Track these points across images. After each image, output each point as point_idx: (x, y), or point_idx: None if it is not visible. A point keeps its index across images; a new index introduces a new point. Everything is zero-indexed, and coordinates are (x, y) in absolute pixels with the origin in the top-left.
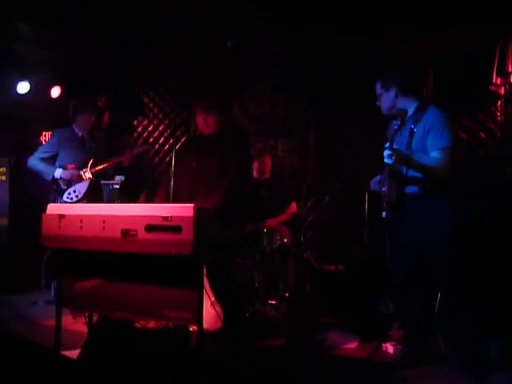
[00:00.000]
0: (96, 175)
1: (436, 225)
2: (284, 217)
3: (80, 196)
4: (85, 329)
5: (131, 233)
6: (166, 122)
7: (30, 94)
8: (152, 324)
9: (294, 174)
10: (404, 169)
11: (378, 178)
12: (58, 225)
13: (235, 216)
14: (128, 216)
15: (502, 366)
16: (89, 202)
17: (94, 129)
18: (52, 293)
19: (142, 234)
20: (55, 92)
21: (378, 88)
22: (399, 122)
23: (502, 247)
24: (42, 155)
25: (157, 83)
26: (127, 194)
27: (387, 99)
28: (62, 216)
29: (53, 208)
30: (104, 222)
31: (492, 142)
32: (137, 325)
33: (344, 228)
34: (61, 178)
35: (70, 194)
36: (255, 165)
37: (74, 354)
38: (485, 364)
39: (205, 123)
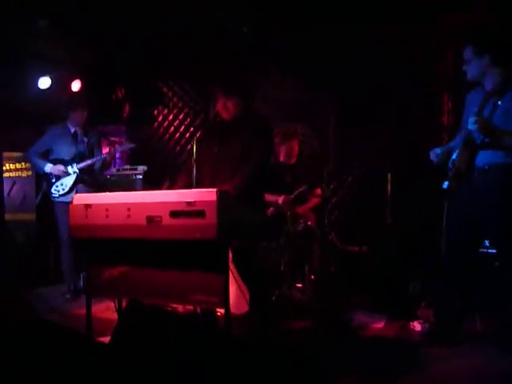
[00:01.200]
0: (82, 170)
1: (499, 202)
2: (313, 202)
3: (66, 189)
4: (115, 316)
5: (156, 219)
6: (186, 110)
7: (51, 89)
8: (181, 308)
9: (315, 157)
10: (479, 139)
11: (437, 150)
12: (84, 215)
13: (258, 200)
14: (152, 203)
15: None
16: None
17: (89, 124)
18: (81, 282)
19: (167, 219)
20: (76, 86)
21: (469, 53)
22: (498, 98)
23: None
24: (38, 150)
25: (175, 72)
26: (150, 184)
27: (478, 66)
28: (88, 206)
29: (79, 198)
30: (129, 209)
31: None
32: (166, 309)
33: (367, 209)
34: (50, 172)
35: (57, 187)
36: (282, 148)
37: (105, 340)
38: None
39: (225, 108)
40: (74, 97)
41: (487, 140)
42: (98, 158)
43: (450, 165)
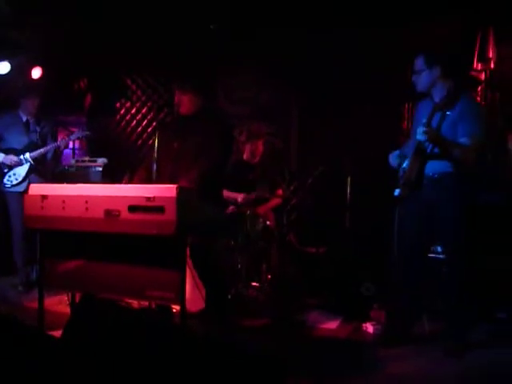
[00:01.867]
0: (35, 160)
1: (448, 209)
2: (274, 202)
3: (19, 179)
4: (68, 310)
5: (114, 213)
6: (149, 104)
7: (10, 74)
8: (135, 304)
9: (278, 157)
10: (428, 149)
11: (396, 152)
12: (40, 205)
13: (216, 197)
14: (111, 196)
15: (480, 346)
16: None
17: (42, 112)
18: (34, 274)
19: (125, 214)
20: (36, 73)
21: (420, 64)
22: (447, 109)
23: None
24: None
25: (140, 65)
26: (110, 177)
27: (428, 77)
28: (44, 197)
29: (35, 189)
30: (87, 202)
31: None
32: (121, 304)
33: (326, 211)
34: (2, 162)
35: (10, 177)
36: (247, 147)
37: (57, 334)
38: (468, 342)
39: (180, 102)
40: (27, 84)
41: (436, 150)
42: (50, 146)
43: (401, 173)
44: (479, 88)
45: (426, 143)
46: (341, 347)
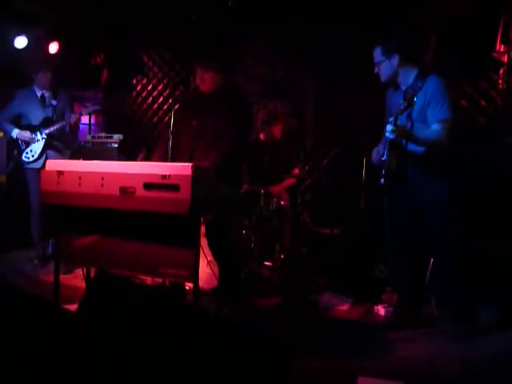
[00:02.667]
0: (51, 136)
1: (434, 194)
2: (288, 182)
3: (36, 156)
4: (83, 284)
5: (129, 190)
6: (165, 81)
7: (28, 48)
8: (149, 281)
9: (293, 137)
10: (404, 141)
11: (380, 148)
12: (56, 181)
13: (233, 176)
14: (126, 174)
15: (490, 329)
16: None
17: (59, 87)
18: (50, 249)
19: (141, 191)
20: (53, 48)
21: (378, 55)
22: (404, 102)
23: (499, 216)
24: (7, 115)
25: (156, 42)
26: (125, 153)
27: (389, 67)
28: (60, 172)
29: (52, 164)
30: (103, 179)
31: (493, 110)
32: (135, 281)
33: (341, 192)
34: (17, 138)
35: (27, 153)
36: (265, 130)
37: (72, 307)
38: (473, 327)
39: (202, 80)
40: (40, 58)
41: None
42: (63, 122)
43: (381, 163)
44: (501, 70)
45: (398, 140)
46: (352, 329)
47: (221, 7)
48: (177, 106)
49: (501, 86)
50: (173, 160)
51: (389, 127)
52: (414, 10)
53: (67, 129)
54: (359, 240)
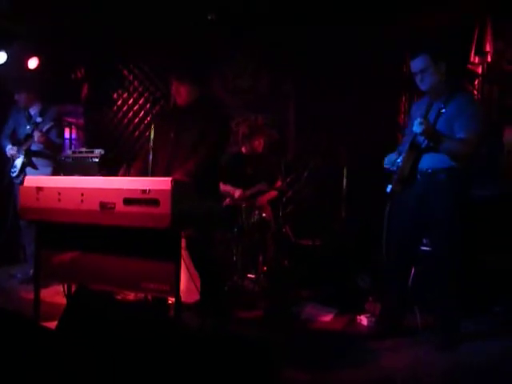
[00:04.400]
0: (28, 152)
1: (440, 204)
2: (270, 194)
3: (16, 172)
4: (64, 301)
5: (109, 206)
6: (146, 95)
7: (7, 64)
8: (131, 296)
9: (275, 149)
10: (423, 144)
11: (392, 155)
12: (35, 197)
13: (212, 189)
14: (106, 189)
15: (473, 339)
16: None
17: (46, 103)
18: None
19: (121, 206)
20: (33, 63)
21: (424, 62)
22: (443, 106)
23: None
24: (6, 132)
25: (137, 56)
26: (106, 168)
27: (435, 74)
28: (39, 188)
29: (30, 181)
30: (82, 194)
31: None
32: (117, 297)
33: (323, 203)
34: (6, 153)
35: (13, 168)
36: (246, 144)
37: (52, 325)
38: (456, 337)
39: (177, 93)
40: (20, 77)
41: (431, 144)
42: (31, 140)
43: (394, 168)
44: (476, 81)
45: (421, 137)
46: (335, 339)
47: (201, 20)
48: (156, 119)
49: (476, 97)
50: (152, 174)
51: (417, 120)
52: (389, 24)
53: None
54: (341, 250)
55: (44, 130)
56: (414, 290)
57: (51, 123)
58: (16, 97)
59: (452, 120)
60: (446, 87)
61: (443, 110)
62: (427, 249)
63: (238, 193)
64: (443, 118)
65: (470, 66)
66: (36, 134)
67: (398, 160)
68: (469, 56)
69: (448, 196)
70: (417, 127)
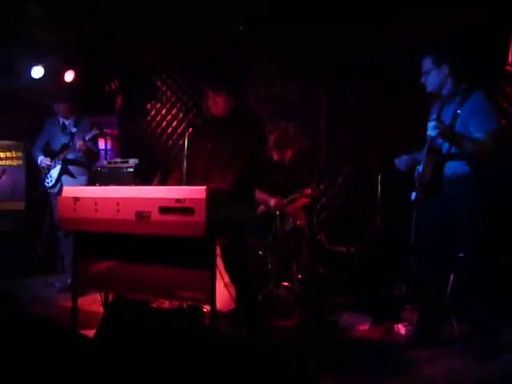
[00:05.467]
0: (65, 161)
1: (465, 209)
2: (302, 201)
3: (53, 181)
4: (101, 309)
5: (145, 215)
6: (179, 105)
7: (44, 78)
8: (167, 304)
9: (307, 156)
10: (444, 148)
11: (404, 157)
12: (73, 207)
13: (248, 197)
14: (142, 198)
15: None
16: (62, 186)
17: (81, 115)
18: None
19: (156, 215)
20: (69, 76)
21: (428, 64)
22: (457, 107)
23: None
24: (39, 144)
25: (169, 66)
26: (141, 178)
27: (438, 76)
28: (76, 199)
29: (68, 191)
30: (118, 204)
31: (508, 123)
32: (152, 305)
33: (356, 210)
34: (39, 164)
35: (47, 178)
36: (277, 152)
37: (90, 333)
38: (495, 345)
39: (214, 104)
40: (56, 90)
41: (452, 149)
42: (72, 149)
43: (415, 176)
44: None
45: (440, 141)
46: (373, 348)
47: (232, 31)
48: (190, 130)
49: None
50: (187, 184)
51: (431, 123)
52: (421, 25)
53: (77, 156)
54: (376, 258)
55: (87, 138)
56: (451, 298)
57: (96, 132)
58: (55, 107)
59: (467, 120)
60: (457, 88)
61: (459, 111)
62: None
63: (273, 202)
64: (459, 120)
65: (507, 68)
66: (78, 143)
67: (418, 167)
68: (506, 57)
69: (472, 201)
70: (431, 130)
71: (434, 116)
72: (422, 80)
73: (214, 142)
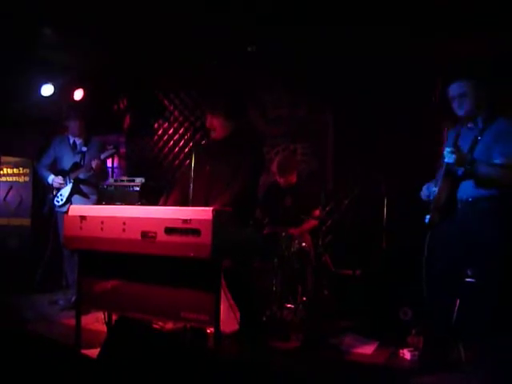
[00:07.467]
0: (78, 181)
1: (484, 234)
2: (309, 224)
3: (64, 200)
4: (104, 328)
5: (151, 235)
6: (186, 124)
7: (54, 96)
8: (170, 325)
9: (314, 178)
10: (460, 172)
11: (432, 187)
12: (79, 226)
13: (246, 218)
14: (148, 218)
15: None
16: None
17: (90, 134)
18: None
19: (162, 236)
20: (78, 94)
21: (465, 86)
22: (478, 133)
23: None
24: (45, 162)
25: (177, 86)
26: (147, 197)
27: (476, 99)
28: (83, 217)
29: (74, 209)
30: (124, 223)
31: None
32: (155, 326)
33: (362, 233)
34: (51, 184)
35: (57, 197)
36: (281, 179)
37: (93, 352)
38: (503, 372)
39: (211, 126)
40: (70, 107)
41: (468, 172)
42: (84, 168)
43: (430, 197)
44: None
45: (455, 166)
46: (377, 373)
47: (240, 52)
48: (196, 151)
49: None
50: (190, 205)
51: (447, 149)
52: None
53: (88, 175)
54: (382, 281)
55: (102, 157)
56: (458, 324)
57: (112, 151)
58: (68, 124)
59: (491, 146)
60: (483, 113)
61: (479, 138)
62: (472, 280)
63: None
64: (481, 145)
65: None
66: (94, 162)
67: (434, 189)
68: None
69: (491, 224)
70: (448, 157)
71: (450, 141)
72: (454, 104)
73: (211, 165)
